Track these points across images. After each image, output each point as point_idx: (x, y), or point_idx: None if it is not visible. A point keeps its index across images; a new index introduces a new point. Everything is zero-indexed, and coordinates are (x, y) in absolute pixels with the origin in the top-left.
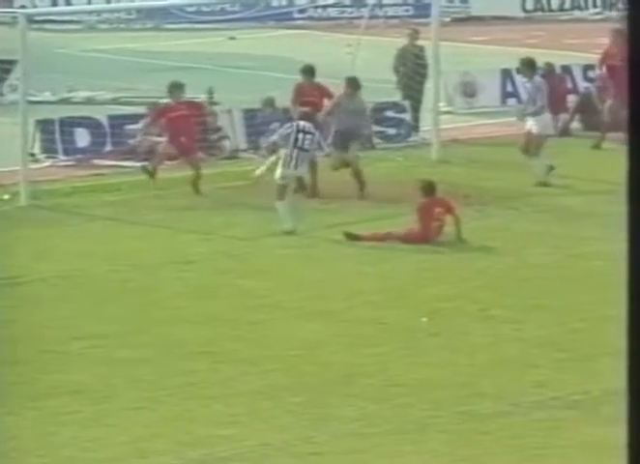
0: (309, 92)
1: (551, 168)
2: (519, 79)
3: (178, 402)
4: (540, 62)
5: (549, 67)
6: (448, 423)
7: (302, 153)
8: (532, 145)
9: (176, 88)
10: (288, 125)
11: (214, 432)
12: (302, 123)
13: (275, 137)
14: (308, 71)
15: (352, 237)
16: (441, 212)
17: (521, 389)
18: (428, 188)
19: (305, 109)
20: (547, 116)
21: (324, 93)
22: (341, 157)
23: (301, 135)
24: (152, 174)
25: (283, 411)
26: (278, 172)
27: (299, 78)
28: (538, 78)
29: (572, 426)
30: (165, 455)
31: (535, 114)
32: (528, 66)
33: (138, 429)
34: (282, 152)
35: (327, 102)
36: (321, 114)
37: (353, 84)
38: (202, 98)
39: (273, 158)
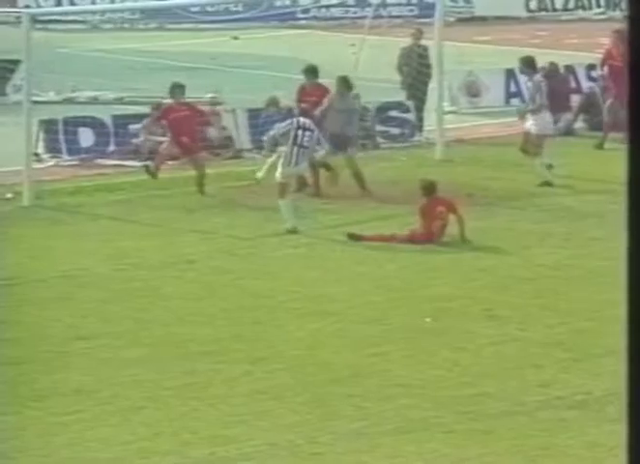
0: (311, 92)
1: (550, 167)
2: (523, 79)
3: (181, 402)
4: (544, 62)
5: (553, 66)
6: (451, 423)
7: (301, 150)
8: (531, 145)
9: (177, 89)
10: (288, 121)
11: (217, 432)
12: (301, 119)
13: (273, 132)
14: (311, 71)
15: (355, 238)
16: (443, 211)
17: (525, 389)
18: (429, 188)
19: (305, 106)
20: (547, 115)
21: (326, 92)
22: (326, 158)
23: (300, 132)
24: (154, 174)
25: (287, 411)
26: (279, 171)
27: (302, 78)
28: (538, 77)
29: (576, 426)
30: (169, 455)
31: (534, 112)
32: (528, 64)
33: (141, 429)
34: (282, 150)
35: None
36: (316, 113)
37: (344, 84)
38: (206, 97)
39: (272, 158)
